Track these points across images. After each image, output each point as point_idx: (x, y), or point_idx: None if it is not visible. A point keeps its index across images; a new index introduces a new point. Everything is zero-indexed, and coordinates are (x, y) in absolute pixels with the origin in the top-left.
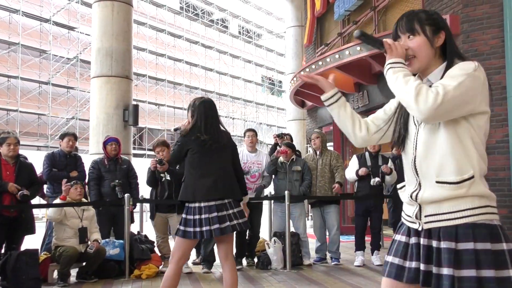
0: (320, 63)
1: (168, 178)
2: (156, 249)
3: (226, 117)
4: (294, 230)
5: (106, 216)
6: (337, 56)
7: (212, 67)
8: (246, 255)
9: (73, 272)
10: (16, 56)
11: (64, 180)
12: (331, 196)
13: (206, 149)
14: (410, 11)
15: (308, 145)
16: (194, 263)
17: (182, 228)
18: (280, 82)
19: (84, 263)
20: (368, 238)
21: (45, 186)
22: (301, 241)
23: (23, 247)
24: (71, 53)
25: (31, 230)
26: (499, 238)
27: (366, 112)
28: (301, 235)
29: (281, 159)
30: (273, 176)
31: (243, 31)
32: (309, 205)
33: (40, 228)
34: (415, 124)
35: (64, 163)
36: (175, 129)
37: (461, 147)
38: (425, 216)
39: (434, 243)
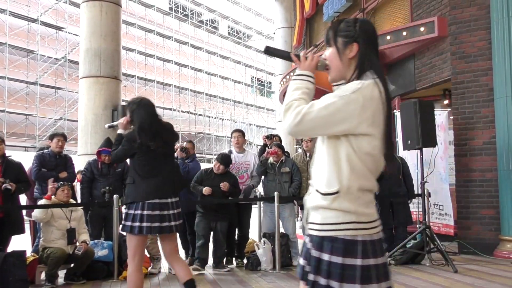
0: None
1: None
2: (144, 250)
3: (215, 118)
4: (283, 231)
5: (97, 217)
6: None
7: (202, 67)
8: (235, 256)
9: (61, 273)
10: (3, 56)
11: (51, 179)
12: None
13: (153, 153)
14: (334, 22)
15: (298, 146)
16: None
17: (129, 223)
18: (270, 83)
19: (72, 265)
20: None
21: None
22: (291, 242)
23: (11, 249)
24: (59, 53)
25: (20, 230)
26: (355, 253)
27: None
28: (290, 236)
29: (271, 160)
30: (263, 177)
31: (232, 32)
32: (299, 207)
33: (29, 229)
34: None
35: (54, 163)
36: (109, 126)
37: (335, 162)
38: (309, 223)
39: (311, 248)
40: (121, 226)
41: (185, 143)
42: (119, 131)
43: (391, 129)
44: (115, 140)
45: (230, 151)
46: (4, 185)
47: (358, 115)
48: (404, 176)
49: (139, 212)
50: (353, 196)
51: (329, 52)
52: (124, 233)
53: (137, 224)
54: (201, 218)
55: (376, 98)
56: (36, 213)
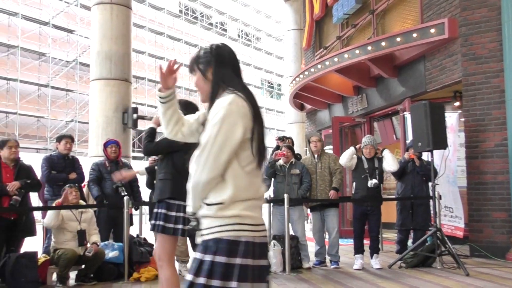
0: (319, 66)
1: None
2: None
3: None
4: (293, 233)
5: (105, 219)
6: (336, 59)
7: None
8: None
9: (72, 274)
10: (15, 59)
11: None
12: (330, 199)
13: (190, 151)
14: (195, 53)
15: (306, 148)
16: None
17: (161, 223)
18: (279, 85)
19: (83, 266)
20: (367, 242)
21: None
22: (300, 244)
23: (23, 250)
24: (70, 55)
25: (32, 232)
26: (235, 253)
27: (366, 115)
28: (300, 238)
29: (280, 162)
30: (272, 179)
31: (242, 34)
32: (309, 209)
33: (40, 230)
34: None
35: (62, 165)
36: (141, 117)
37: (221, 179)
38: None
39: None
40: (157, 227)
41: None
42: (151, 125)
43: None
44: (147, 132)
45: None
46: (14, 197)
47: (241, 123)
48: (428, 179)
49: (174, 213)
50: (240, 203)
51: (195, 79)
52: (135, 235)
53: (176, 226)
54: None
55: (243, 106)
56: (46, 220)
